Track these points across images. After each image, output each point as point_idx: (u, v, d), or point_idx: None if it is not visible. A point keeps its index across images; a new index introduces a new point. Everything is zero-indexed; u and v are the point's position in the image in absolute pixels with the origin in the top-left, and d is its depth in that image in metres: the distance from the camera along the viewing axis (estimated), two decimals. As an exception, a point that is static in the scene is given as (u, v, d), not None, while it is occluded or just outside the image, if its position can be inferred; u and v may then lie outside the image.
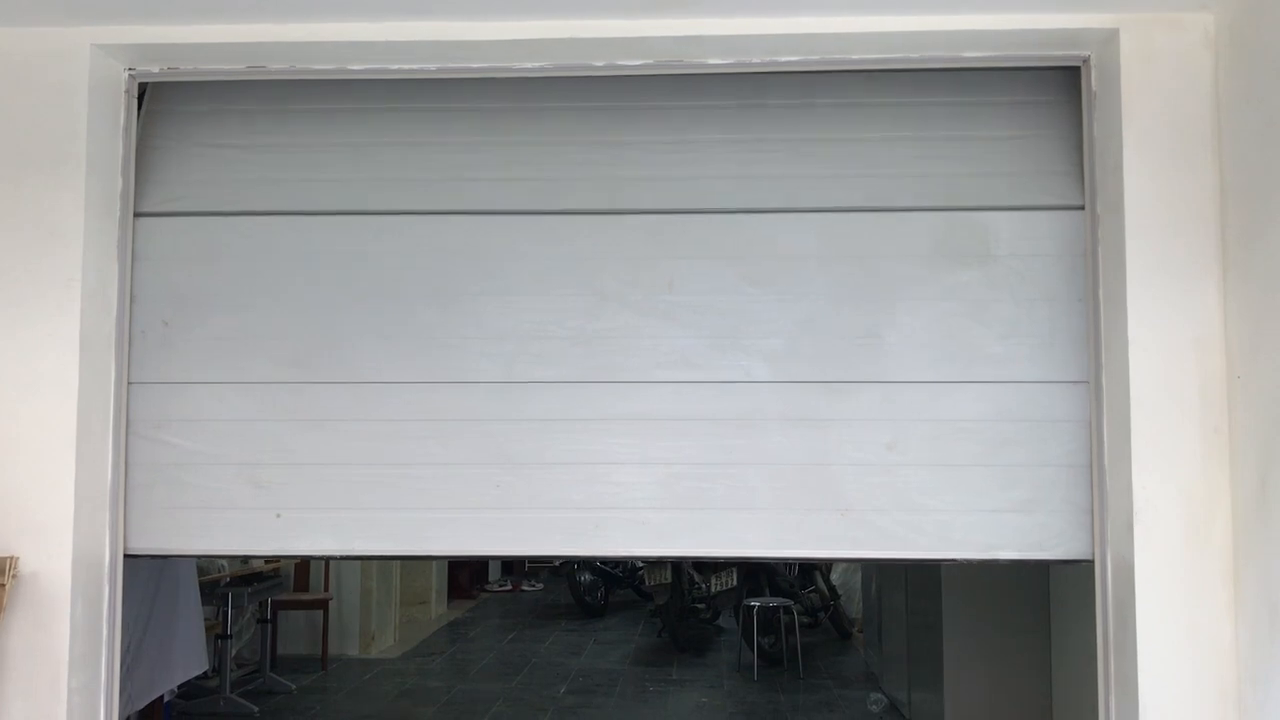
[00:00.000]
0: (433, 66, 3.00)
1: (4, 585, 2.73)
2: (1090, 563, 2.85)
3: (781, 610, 7.56)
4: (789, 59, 2.96)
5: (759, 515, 2.94)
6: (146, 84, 3.12)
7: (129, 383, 3.01)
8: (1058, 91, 3.00)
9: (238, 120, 3.10)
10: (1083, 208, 2.93)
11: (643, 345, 2.98)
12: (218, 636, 6.06)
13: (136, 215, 3.06)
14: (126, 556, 2.97)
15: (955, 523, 2.90)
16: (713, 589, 8.23)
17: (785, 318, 2.97)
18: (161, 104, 3.12)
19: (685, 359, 2.97)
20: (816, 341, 2.96)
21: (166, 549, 3.00)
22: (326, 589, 7.76)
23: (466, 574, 11.43)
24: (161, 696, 4.65)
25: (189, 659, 4.76)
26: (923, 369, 2.93)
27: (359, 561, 7.33)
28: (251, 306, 3.03)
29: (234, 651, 6.45)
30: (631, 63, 2.97)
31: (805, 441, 2.94)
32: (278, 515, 2.97)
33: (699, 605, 8.31)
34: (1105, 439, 2.84)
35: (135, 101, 3.07)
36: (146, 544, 2.99)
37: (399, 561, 7.92)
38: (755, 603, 7.47)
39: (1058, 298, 2.93)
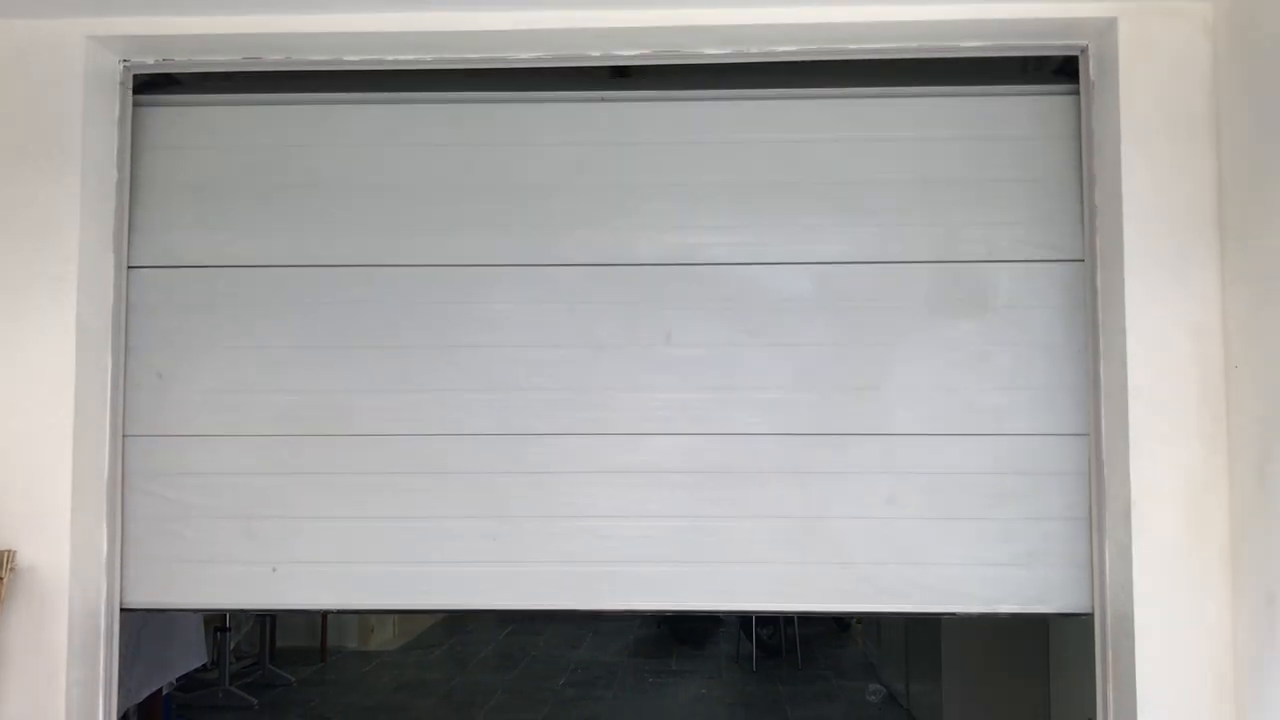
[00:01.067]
0: (429, 57, 2.99)
1: (2, 579, 2.73)
2: (1090, 616, 2.88)
3: (780, 601, 7.53)
4: (786, 49, 2.95)
5: (759, 569, 2.94)
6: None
7: (124, 435, 3.01)
8: (1062, 123, 2.98)
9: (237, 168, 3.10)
10: (1083, 260, 2.93)
11: (640, 397, 2.97)
12: (217, 629, 6.07)
13: (133, 209, 3.06)
14: (123, 610, 2.98)
15: (955, 576, 2.92)
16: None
17: (784, 369, 2.96)
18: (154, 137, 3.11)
19: (683, 411, 2.96)
20: (815, 393, 2.96)
21: (163, 603, 3.01)
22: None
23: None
24: (161, 689, 4.65)
25: (188, 652, 4.75)
26: (922, 421, 2.93)
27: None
28: (246, 355, 3.02)
29: (233, 644, 6.45)
30: (628, 52, 2.97)
31: (805, 494, 2.94)
32: (274, 569, 2.98)
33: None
34: (1103, 420, 2.85)
35: (130, 93, 3.05)
36: (143, 598, 3.00)
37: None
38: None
39: (1057, 348, 2.93)
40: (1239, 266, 2.68)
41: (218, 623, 6.08)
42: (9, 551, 2.76)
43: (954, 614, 2.94)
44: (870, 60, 2.96)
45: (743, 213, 3.00)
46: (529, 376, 2.99)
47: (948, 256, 2.96)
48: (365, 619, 7.88)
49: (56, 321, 2.86)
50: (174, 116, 3.10)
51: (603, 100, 3.04)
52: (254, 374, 3.02)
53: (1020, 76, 3.00)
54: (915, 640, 5.52)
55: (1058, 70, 3.02)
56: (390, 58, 3.00)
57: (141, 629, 4.09)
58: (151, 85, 3.10)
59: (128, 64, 3.03)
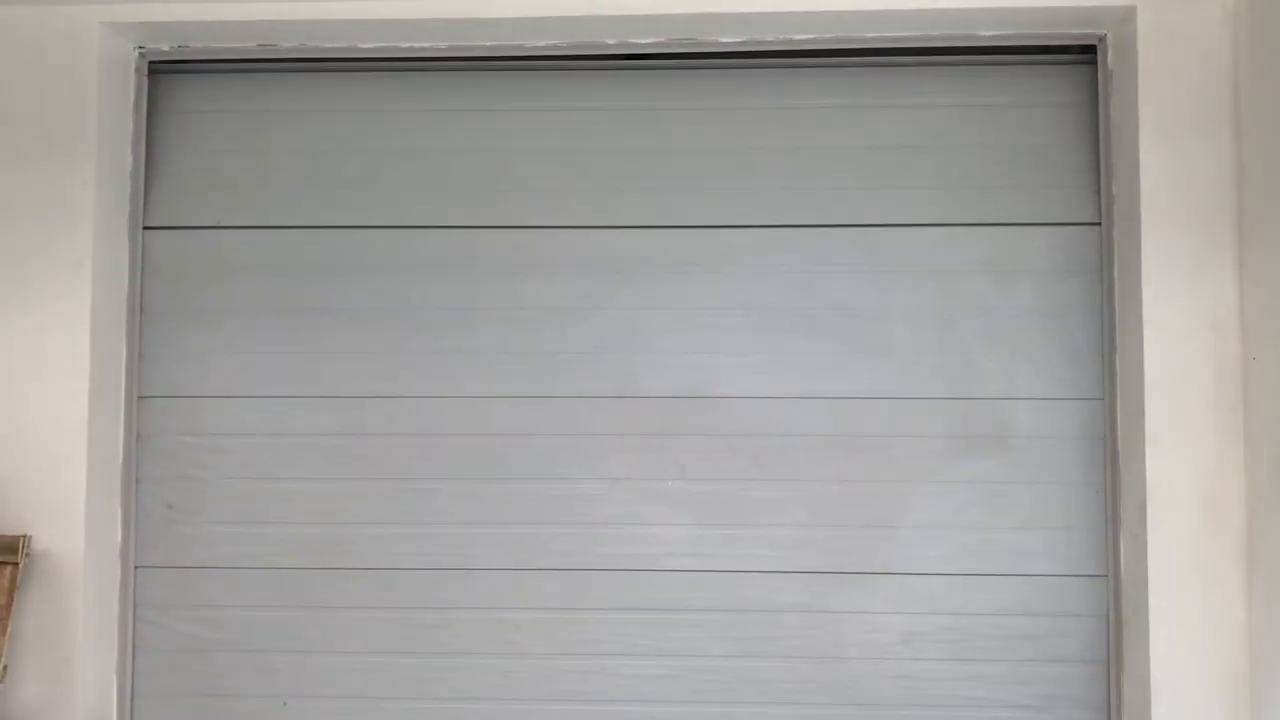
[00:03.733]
0: (444, 44, 2.98)
1: (17, 564, 2.74)
2: None
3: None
4: (803, 36, 2.93)
5: (773, 711, 2.92)
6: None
7: (135, 566, 3.01)
8: (1086, 254, 2.94)
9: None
10: (1102, 398, 2.90)
11: (653, 533, 2.96)
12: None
13: (147, 196, 3.06)
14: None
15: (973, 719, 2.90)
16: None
17: (798, 505, 2.94)
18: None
19: (696, 547, 2.95)
20: (830, 530, 2.94)
21: None
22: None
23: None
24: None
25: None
26: (938, 561, 2.91)
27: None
28: (256, 490, 3.02)
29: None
30: (644, 40, 2.95)
31: (820, 634, 2.92)
32: (284, 704, 2.98)
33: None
34: (1119, 417, 2.84)
35: (145, 80, 3.05)
36: None
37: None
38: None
39: (1075, 486, 2.91)
40: (1258, 259, 2.66)
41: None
42: (24, 536, 2.77)
43: None
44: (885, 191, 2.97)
45: (759, 343, 2.98)
46: (541, 510, 2.97)
47: (965, 393, 2.94)
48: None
49: (71, 308, 2.86)
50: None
51: (610, 228, 3.02)
52: (265, 507, 3.01)
53: (1042, 210, 2.96)
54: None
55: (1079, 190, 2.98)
56: (405, 44, 2.99)
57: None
58: (167, 72, 3.10)
59: (143, 50, 3.02)
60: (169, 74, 3.09)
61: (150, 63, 3.06)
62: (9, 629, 2.73)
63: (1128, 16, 2.80)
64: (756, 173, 2.99)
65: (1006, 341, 2.94)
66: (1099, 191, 2.92)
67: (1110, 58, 2.90)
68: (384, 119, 3.07)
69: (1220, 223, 2.73)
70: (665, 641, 2.94)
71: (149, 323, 3.04)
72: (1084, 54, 2.98)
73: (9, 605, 2.73)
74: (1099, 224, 2.92)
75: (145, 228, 3.05)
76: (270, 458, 3.01)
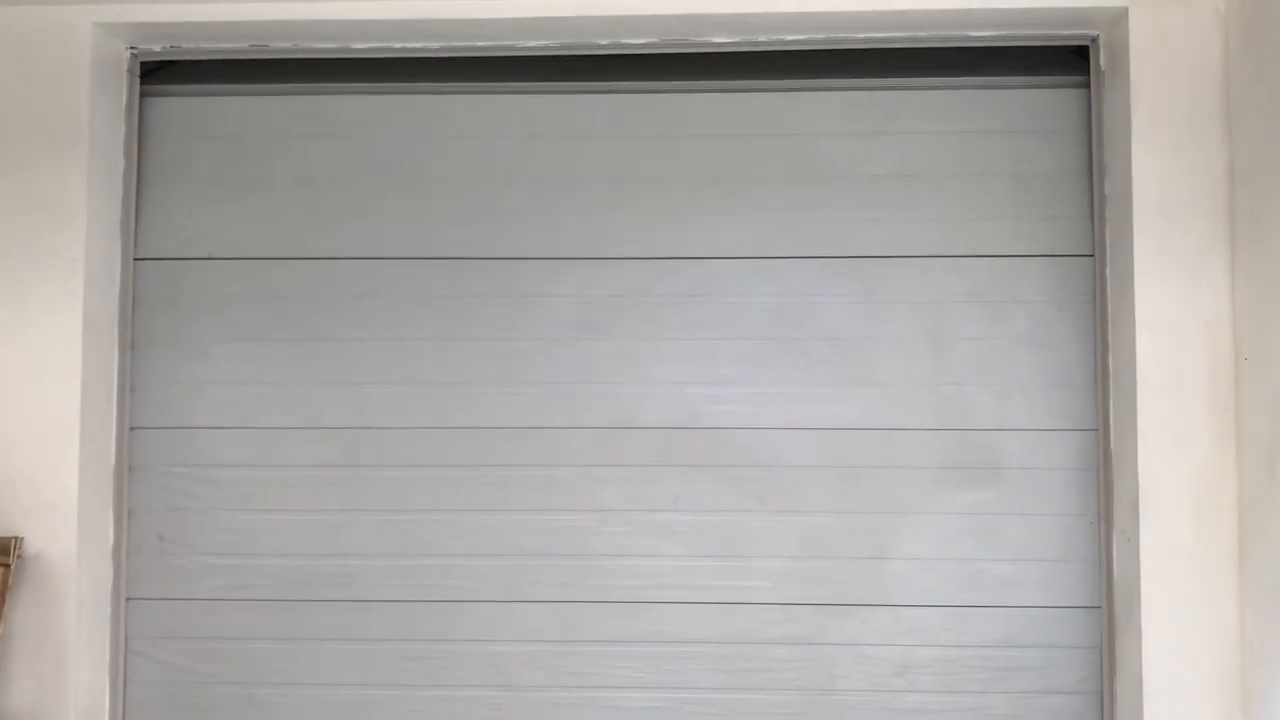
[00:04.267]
0: (436, 45, 2.97)
1: (9, 566, 2.74)
2: None
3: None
4: (795, 37, 2.93)
5: None
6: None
7: (126, 598, 2.99)
8: (1079, 287, 2.94)
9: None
10: (1095, 429, 2.90)
11: (646, 565, 2.96)
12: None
13: (139, 196, 3.05)
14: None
15: None
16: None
17: (791, 536, 2.94)
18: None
19: (689, 579, 2.94)
20: (823, 561, 2.93)
21: None
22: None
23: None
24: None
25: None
26: (932, 593, 2.90)
27: None
28: (248, 522, 3.01)
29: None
30: (636, 40, 2.95)
31: (813, 666, 2.91)
32: None
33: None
34: (1111, 414, 2.85)
35: (138, 80, 3.04)
36: None
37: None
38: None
39: (1067, 515, 2.90)
40: (1250, 258, 2.66)
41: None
42: (16, 538, 2.77)
43: None
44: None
45: (752, 374, 2.96)
46: (534, 541, 2.96)
47: (958, 424, 2.93)
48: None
49: (63, 309, 2.85)
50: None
51: (603, 260, 3.01)
52: (257, 539, 3.00)
53: (1036, 242, 2.95)
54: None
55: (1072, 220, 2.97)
56: (398, 45, 2.98)
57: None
58: (159, 73, 3.10)
59: (135, 51, 3.02)
60: (158, 96, 3.08)
61: (141, 87, 3.05)
62: (0, 631, 2.73)
63: (1120, 17, 2.80)
64: (749, 202, 2.98)
65: (999, 372, 2.93)
66: (1093, 223, 2.92)
67: (1102, 58, 2.90)
68: (373, 146, 3.05)
69: (1213, 223, 2.73)
70: (658, 673, 2.94)
71: (139, 353, 3.03)
72: (1079, 81, 2.96)
73: (0, 607, 2.72)
74: (1092, 256, 2.92)
75: (136, 259, 3.03)
76: (262, 489, 3.00)
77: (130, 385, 3.01)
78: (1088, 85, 2.94)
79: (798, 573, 2.93)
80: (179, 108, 3.08)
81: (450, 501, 2.98)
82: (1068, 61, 2.98)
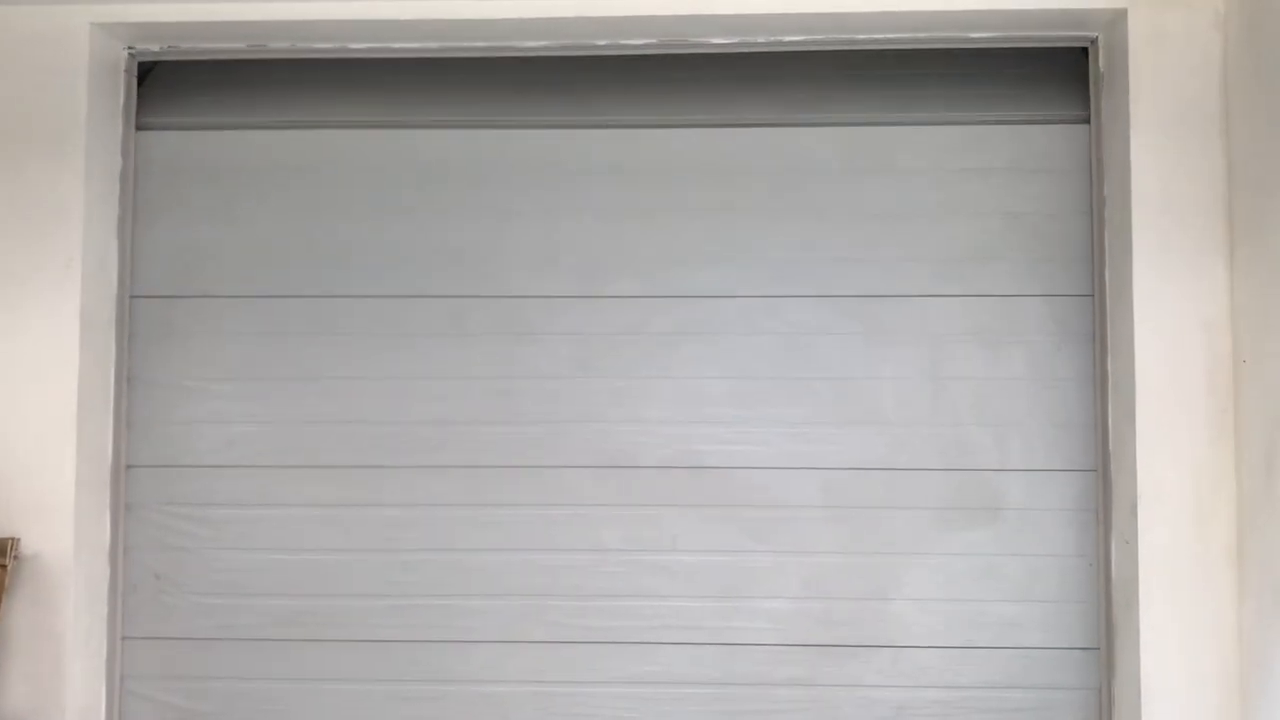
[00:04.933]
0: (434, 45, 2.96)
1: (6, 567, 2.73)
2: None
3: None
4: (794, 38, 2.93)
5: None
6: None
7: (122, 637, 2.98)
8: (1078, 324, 2.93)
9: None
10: (1095, 470, 2.89)
11: (645, 605, 2.95)
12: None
13: (137, 194, 3.04)
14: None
15: None
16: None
17: (791, 577, 2.93)
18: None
19: (688, 620, 2.93)
20: (822, 602, 2.92)
21: None
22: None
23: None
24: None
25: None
26: (932, 633, 2.90)
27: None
28: (244, 561, 2.99)
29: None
30: (635, 41, 2.95)
31: (814, 707, 2.90)
32: None
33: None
34: (1110, 414, 2.85)
35: (135, 81, 3.04)
36: None
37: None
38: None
39: (1067, 556, 2.90)
40: (1249, 260, 2.66)
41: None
42: (13, 539, 2.76)
43: None
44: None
45: (751, 414, 2.95)
46: (532, 581, 2.95)
47: (957, 464, 2.92)
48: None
49: (60, 310, 2.85)
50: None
51: (601, 298, 3.00)
52: (253, 578, 2.99)
53: (1036, 282, 2.95)
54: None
55: (1070, 250, 2.96)
56: (396, 45, 2.98)
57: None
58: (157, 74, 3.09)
59: (132, 51, 3.02)
60: (151, 130, 3.06)
61: (136, 122, 3.05)
62: (-3, 631, 2.73)
63: (1119, 19, 2.81)
64: (746, 240, 2.97)
65: (999, 412, 2.93)
66: (1092, 262, 2.92)
67: (1102, 60, 2.91)
68: (369, 182, 3.04)
69: (1212, 224, 2.74)
70: (657, 715, 2.92)
71: (136, 391, 3.01)
72: (1079, 117, 2.96)
73: (-4, 608, 2.72)
74: (1091, 296, 2.92)
75: (132, 296, 3.02)
76: (258, 528, 2.99)
77: (127, 381, 3.00)
78: (1087, 122, 2.94)
79: (798, 613, 2.92)
80: (171, 142, 3.06)
81: (447, 541, 2.96)
82: (1069, 97, 2.98)
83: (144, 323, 3.03)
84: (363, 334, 3.00)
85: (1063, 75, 2.98)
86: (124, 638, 2.98)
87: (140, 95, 3.06)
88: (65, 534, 2.81)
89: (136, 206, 3.04)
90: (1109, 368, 2.85)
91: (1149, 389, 2.71)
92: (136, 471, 3.00)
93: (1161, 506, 2.70)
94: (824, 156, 2.99)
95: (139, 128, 3.05)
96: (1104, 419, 2.86)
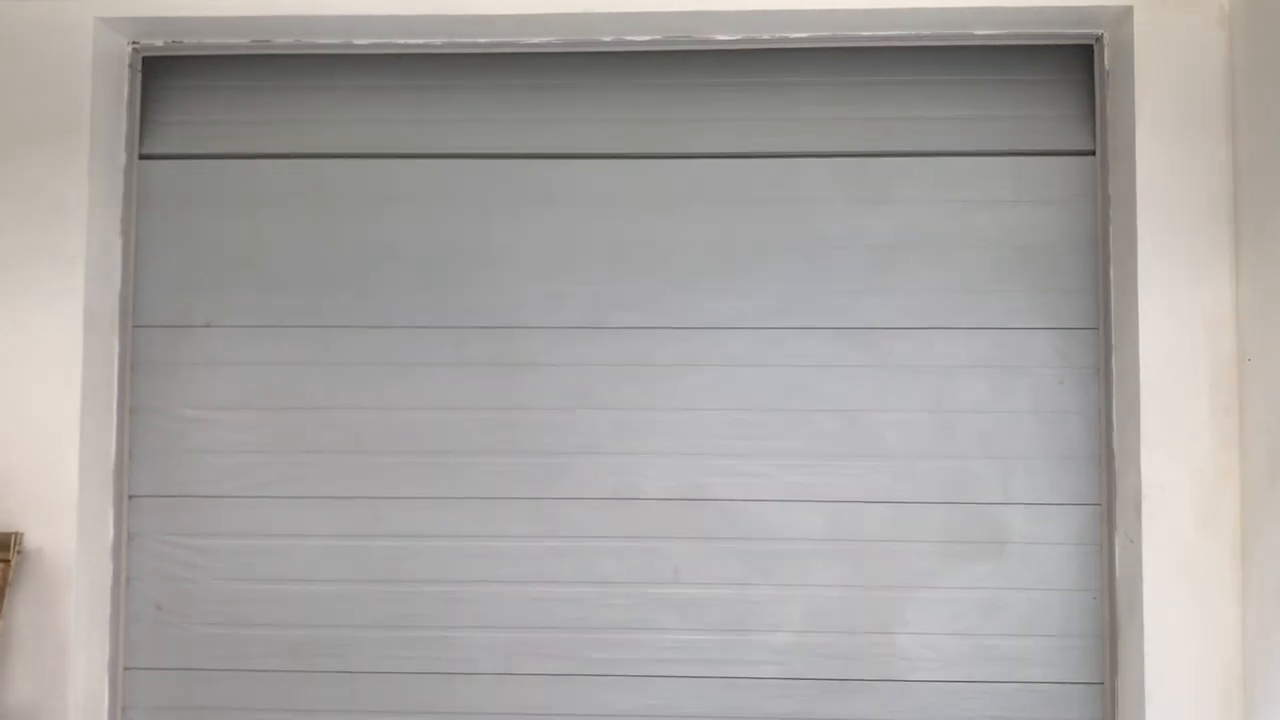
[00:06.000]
0: (439, 41, 2.98)
1: (9, 562, 2.73)
2: None
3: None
4: (798, 35, 2.94)
5: None
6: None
7: (124, 667, 2.97)
8: (1080, 356, 2.92)
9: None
10: (1099, 504, 2.89)
11: (647, 638, 2.93)
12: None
13: (140, 190, 3.04)
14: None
15: None
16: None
17: (794, 610, 2.92)
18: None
19: (691, 653, 2.92)
20: (826, 635, 2.91)
21: None
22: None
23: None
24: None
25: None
26: (935, 667, 2.89)
27: None
28: (245, 591, 2.98)
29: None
30: (640, 38, 2.95)
31: None
32: None
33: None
34: (1114, 412, 2.84)
35: (139, 76, 3.04)
36: None
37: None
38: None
39: (1071, 590, 2.89)
40: (1253, 258, 2.66)
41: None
42: (16, 534, 2.76)
43: None
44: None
45: (754, 445, 2.94)
46: (533, 613, 2.94)
47: (962, 497, 2.91)
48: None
49: (64, 304, 2.84)
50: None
51: (604, 329, 2.98)
52: (254, 609, 2.98)
53: (1040, 314, 2.93)
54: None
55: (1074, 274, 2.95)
56: (400, 41, 2.98)
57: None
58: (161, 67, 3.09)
59: (136, 46, 3.02)
60: (153, 159, 3.05)
61: (139, 156, 3.04)
62: (1, 626, 2.72)
63: (1124, 17, 2.81)
64: (751, 272, 2.96)
65: (1003, 445, 2.91)
66: (1097, 293, 2.91)
67: (1107, 58, 2.91)
68: (372, 213, 3.02)
69: (1216, 223, 2.74)
70: None
71: (138, 420, 3.01)
72: (1083, 149, 2.95)
73: (0, 603, 2.71)
74: (1096, 329, 2.91)
75: (134, 326, 3.02)
76: (259, 559, 2.97)
77: (129, 379, 3.00)
78: (1092, 153, 2.93)
79: (801, 647, 2.91)
80: (171, 171, 3.05)
81: (448, 572, 2.95)
82: (1073, 131, 2.96)
83: (145, 352, 3.02)
84: (365, 364, 2.99)
85: (1069, 107, 2.97)
86: (126, 668, 2.97)
87: (143, 121, 3.06)
88: (68, 529, 2.81)
89: (138, 238, 3.03)
90: (1113, 365, 2.85)
91: (1152, 387, 2.71)
92: (138, 501, 3.00)
93: (1166, 506, 2.70)
94: (828, 187, 2.98)
95: (141, 156, 3.05)
96: (1108, 416, 2.86)
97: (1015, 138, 2.95)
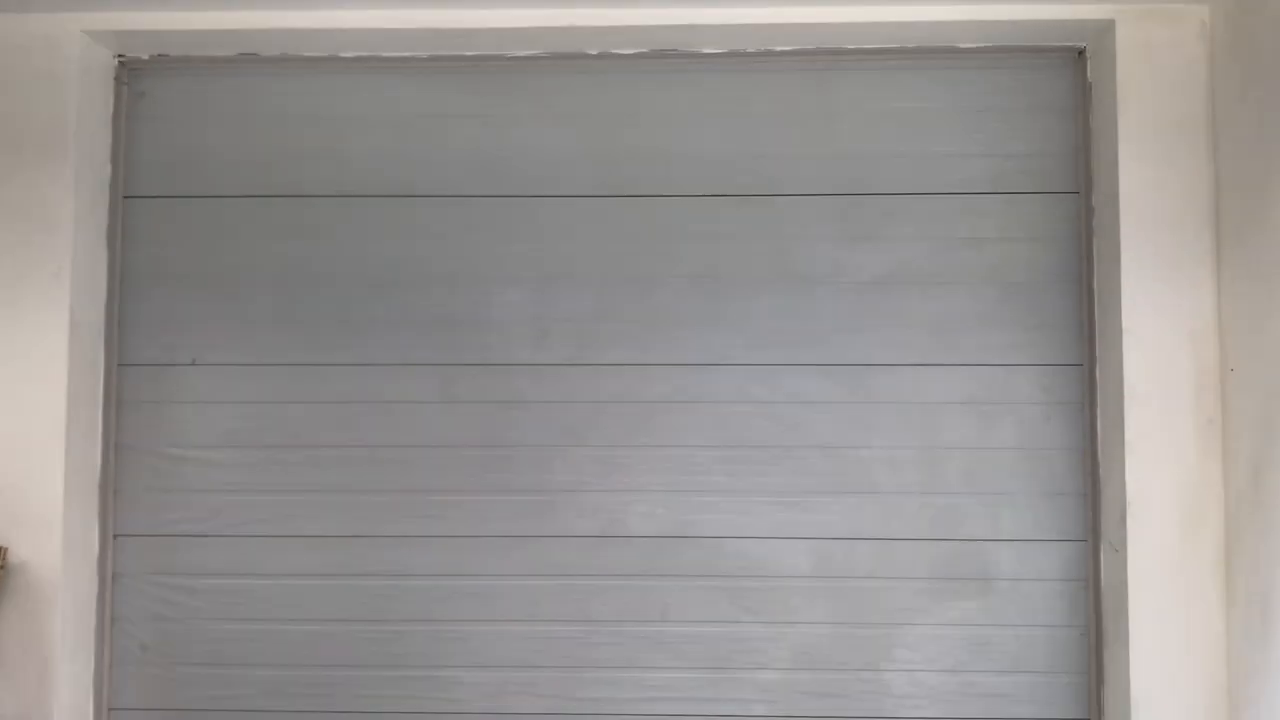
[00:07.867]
0: (424, 54, 2.98)
1: (-6, 574, 2.73)
2: None
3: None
4: (783, 48, 2.95)
5: None
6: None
7: (110, 708, 2.96)
8: (1064, 391, 2.92)
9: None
10: (1085, 540, 2.89)
11: (634, 676, 2.93)
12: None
13: (126, 198, 3.03)
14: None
15: None
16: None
17: (782, 647, 2.92)
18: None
19: (679, 691, 2.92)
20: (813, 673, 2.91)
21: None
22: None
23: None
24: None
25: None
26: (923, 704, 2.89)
27: None
28: (231, 632, 2.97)
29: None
30: (626, 51, 2.96)
31: None
32: None
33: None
34: (1099, 424, 2.86)
35: (125, 88, 3.03)
36: None
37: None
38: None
39: (1057, 627, 2.90)
40: (1235, 269, 2.68)
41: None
42: (1, 548, 2.75)
43: None
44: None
45: (742, 483, 2.94)
46: (521, 652, 2.93)
47: (948, 534, 2.92)
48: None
49: (49, 317, 2.84)
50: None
51: (591, 365, 2.98)
52: (240, 649, 2.97)
53: (1026, 351, 2.94)
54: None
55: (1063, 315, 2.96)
56: (386, 54, 2.98)
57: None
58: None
59: (122, 59, 3.01)
60: (138, 198, 3.03)
61: (124, 198, 3.02)
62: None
63: (1106, 30, 2.84)
64: (738, 308, 2.96)
65: (990, 482, 2.92)
66: (1082, 331, 2.92)
67: (1090, 70, 2.93)
68: (356, 250, 3.01)
69: (1198, 234, 2.76)
70: None
71: (123, 458, 2.99)
72: (1069, 188, 2.96)
73: (-15, 615, 2.72)
74: (1081, 365, 2.92)
75: (120, 364, 3.00)
76: (245, 598, 2.96)
77: (116, 398, 2.99)
78: (1077, 192, 2.95)
79: (788, 684, 2.91)
80: (156, 209, 3.04)
81: (434, 611, 2.94)
82: (1060, 172, 2.97)
83: (130, 391, 3.01)
84: (350, 402, 2.98)
85: (1056, 145, 2.98)
86: (111, 708, 2.96)
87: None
88: (53, 543, 2.80)
89: (123, 274, 3.02)
90: (1096, 377, 2.87)
91: (1136, 398, 2.73)
92: (123, 541, 2.98)
93: (1150, 517, 2.71)
94: (815, 224, 2.98)
95: (126, 196, 3.03)
96: (1092, 428, 2.87)
97: (1001, 176, 2.96)
